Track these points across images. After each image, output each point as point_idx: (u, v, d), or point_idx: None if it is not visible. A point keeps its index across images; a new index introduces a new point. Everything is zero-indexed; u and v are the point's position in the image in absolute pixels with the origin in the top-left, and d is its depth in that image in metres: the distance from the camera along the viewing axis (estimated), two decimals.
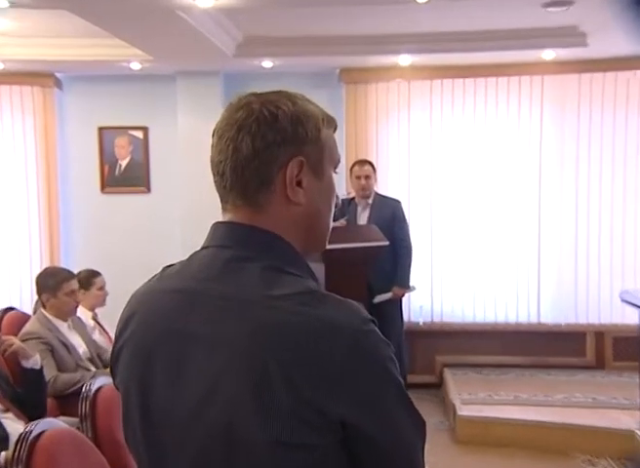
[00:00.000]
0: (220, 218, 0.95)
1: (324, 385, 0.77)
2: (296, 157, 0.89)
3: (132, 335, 0.92)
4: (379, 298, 4.29)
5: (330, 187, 0.96)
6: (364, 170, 4.52)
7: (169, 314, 0.88)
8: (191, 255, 0.94)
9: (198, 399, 0.82)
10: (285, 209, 0.90)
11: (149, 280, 0.98)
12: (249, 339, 0.79)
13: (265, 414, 0.77)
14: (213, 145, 0.93)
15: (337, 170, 0.98)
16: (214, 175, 0.93)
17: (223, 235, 0.91)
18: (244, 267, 0.86)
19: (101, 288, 3.80)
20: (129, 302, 0.97)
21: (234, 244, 0.89)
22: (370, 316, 0.83)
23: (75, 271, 3.57)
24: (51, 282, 3.29)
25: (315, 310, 0.80)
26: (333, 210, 0.98)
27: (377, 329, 0.83)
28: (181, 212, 5.36)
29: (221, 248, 0.90)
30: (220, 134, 0.92)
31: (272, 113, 0.89)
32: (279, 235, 0.90)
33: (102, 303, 3.86)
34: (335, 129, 0.97)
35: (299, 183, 0.90)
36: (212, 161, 0.93)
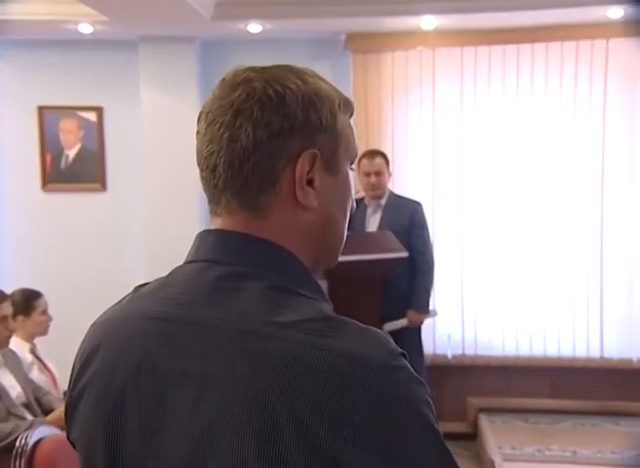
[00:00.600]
0: (202, 225, 0.96)
1: (346, 436, 0.78)
2: (307, 149, 0.91)
3: (95, 375, 0.92)
4: (390, 326, 4.27)
5: (346, 187, 0.98)
6: (374, 164, 4.51)
7: (145, 348, 0.88)
8: (172, 272, 0.94)
9: (185, 456, 0.83)
10: (292, 214, 0.92)
11: (117, 303, 0.98)
12: (250, 380, 0.80)
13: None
14: (199, 132, 0.93)
15: (353, 165, 1.00)
16: (201, 169, 0.93)
17: (213, 246, 0.92)
18: (241, 287, 0.87)
19: (44, 312, 3.80)
20: (90, 333, 0.97)
21: (227, 257, 0.90)
22: (399, 349, 0.84)
23: (7, 291, 3.56)
24: None
25: (333, 341, 0.81)
26: (348, 215, 1.00)
27: (408, 364, 0.84)
28: (145, 215, 5.37)
29: (211, 263, 0.90)
30: (210, 118, 0.91)
31: (279, 94, 0.90)
32: (283, 247, 0.91)
33: (45, 331, 3.86)
34: (351, 114, 0.99)
35: (309, 182, 0.92)
36: (199, 152, 0.93)
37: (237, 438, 0.79)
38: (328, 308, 0.87)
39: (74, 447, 0.97)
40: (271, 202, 0.91)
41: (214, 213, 0.94)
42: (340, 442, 0.78)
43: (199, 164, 0.94)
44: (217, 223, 0.94)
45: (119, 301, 0.98)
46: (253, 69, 0.93)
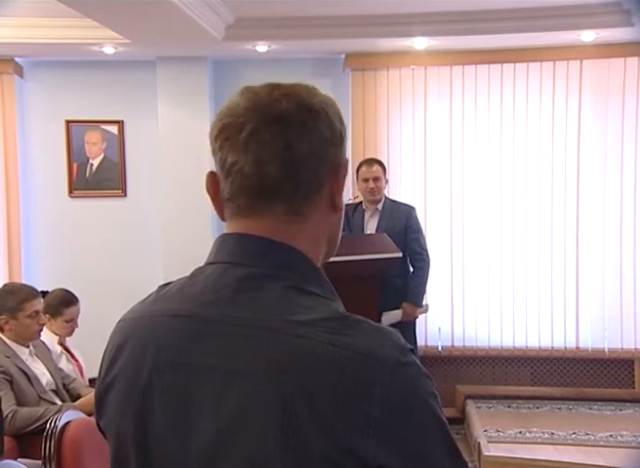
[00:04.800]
0: (214, 228, 0.96)
1: (361, 429, 0.78)
2: (342, 158, 0.93)
3: (123, 369, 0.91)
4: (386, 318, 4.25)
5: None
6: (372, 171, 4.52)
7: (170, 344, 0.87)
8: (194, 273, 0.92)
9: (211, 446, 0.82)
10: (324, 217, 0.93)
11: (142, 302, 0.96)
12: (272, 375, 0.79)
13: (294, 462, 0.77)
14: (232, 140, 0.88)
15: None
16: (234, 176, 0.89)
17: (235, 249, 0.90)
18: (261, 288, 0.86)
19: (71, 320, 3.79)
20: (117, 329, 0.95)
21: (248, 260, 0.88)
22: (409, 345, 0.84)
23: (38, 288, 3.56)
24: (10, 301, 3.28)
25: (349, 339, 0.80)
26: None
27: (417, 360, 0.83)
28: (162, 218, 5.37)
29: (232, 264, 0.89)
30: (252, 128, 0.87)
31: (323, 106, 0.91)
32: (299, 250, 0.90)
33: (69, 335, 3.85)
34: None
35: None
36: (234, 161, 0.88)
37: (259, 430, 0.78)
38: (342, 307, 0.87)
39: (103, 433, 0.96)
40: (313, 207, 0.90)
41: (242, 215, 0.90)
42: (356, 434, 0.77)
43: (230, 170, 0.89)
44: (242, 226, 0.90)
45: (144, 299, 0.96)
46: (278, 85, 0.91)
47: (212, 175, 0.93)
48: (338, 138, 0.92)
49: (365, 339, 0.81)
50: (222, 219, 0.94)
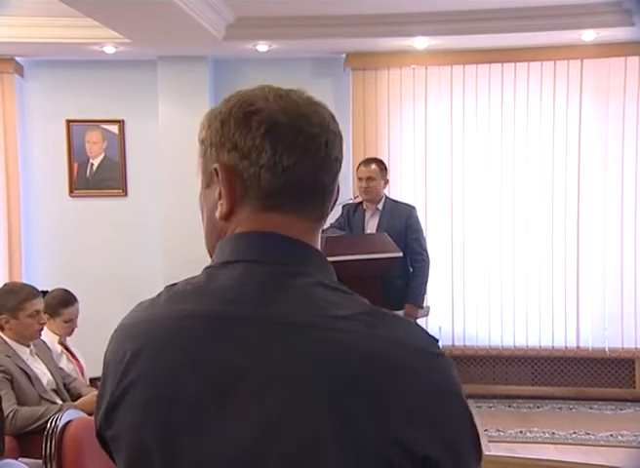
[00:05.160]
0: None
1: (407, 419, 0.79)
2: None
3: (143, 375, 0.86)
4: None
5: None
6: (367, 170, 4.51)
7: (198, 345, 0.84)
8: (211, 272, 0.89)
9: (252, 446, 0.80)
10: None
11: (149, 304, 0.92)
12: (316, 370, 0.79)
13: (346, 458, 0.77)
14: (286, 142, 0.88)
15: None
16: (290, 178, 0.88)
17: (260, 247, 0.88)
18: (290, 284, 0.85)
19: (69, 320, 3.78)
20: (125, 334, 0.91)
21: (272, 257, 0.88)
22: (434, 336, 0.87)
23: (39, 287, 3.56)
24: (11, 300, 3.28)
25: (385, 333, 0.82)
26: None
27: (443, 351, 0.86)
28: (163, 218, 5.37)
29: (257, 262, 0.87)
30: (308, 133, 0.89)
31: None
32: (318, 249, 0.92)
33: (68, 335, 3.85)
34: None
35: None
36: (289, 163, 0.88)
37: (306, 428, 0.78)
38: (367, 301, 0.87)
39: (105, 442, 0.91)
40: (329, 207, 0.94)
41: (276, 212, 0.89)
42: (403, 425, 0.78)
43: (284, 170, 0.87)
44: (269, 224, 0.89)
45: (152, 302, 0.92)
46: (302, 91, 0.94)
47: (229, 170, 0.89)
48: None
49: (401, 332, 0.83)
50: (226, 217, 0.90)
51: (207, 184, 0.95)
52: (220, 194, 0.90)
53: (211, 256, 0.96)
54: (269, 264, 0.87)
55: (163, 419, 0.84)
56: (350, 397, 0.78)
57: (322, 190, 0.91)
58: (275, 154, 0.87)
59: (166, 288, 0.93)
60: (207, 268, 0.91)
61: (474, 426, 0.85)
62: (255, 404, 0.80)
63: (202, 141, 0.95)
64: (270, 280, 0.86)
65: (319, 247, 0.93)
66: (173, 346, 0.85)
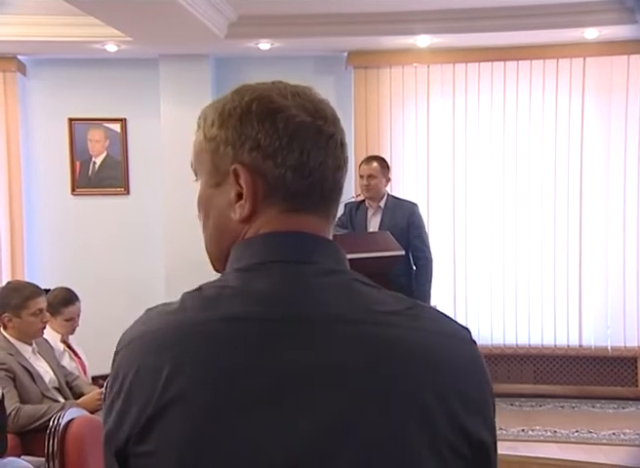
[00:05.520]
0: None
1: (466, 406, 0.82)
2: None
3: (194, 383, 0.80)
4: None
5: None
6: (368, 168, 4.52)
7: (258, 349, 0.80)
8: (242, 275, 0.86)
9: (317, 447, 0.78)
10: None
11: (174, 310, 0.85)
12: (383, 367, 0.79)
13: (426, 453, 0.79)
14: (312, 140, 0.87)
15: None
16: (315, 178, 0.87)
17: (295, 246, 0.87)
18: (334, 283, 0.85)
19: (70, 319, 3.79)
20: (155, 342, 0.83)
21: (311, 256, 0.87)
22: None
23: (41, 286, 3.56)
24: (15, 299, 3.28)
25: (433, 325, 0.85)
26: None
27: None
28: (165, 217, 5.37)
29: (298, 262, 0.86)
30: (328, 132, 0.88)
31: None
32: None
33: (70, 333, 3.86)
34: None
35: None
36: (317, 163, 0.87)
37: (378, 424, 0.78)
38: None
39: (125, 458, 0.83)
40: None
41: (304, 212, 0.88)
42: (464, 413, 0.81)
43: (312, 170, 0.87)
44: (299, 224, 0.87)
45: (178, 307, 0.85)
46: (310, 88, 0.93)
47: (254, 171, 0.86)
48: None
49: (446, 323, 0.87)
50: (246, 219, 0.87)
51: (216, 184, 0.90)
52: (238, 195, 0.87)
53: (215, 260, 0.94)
54: (308, 264, 0.86)
55: (222, 427, 0.79)
56: (420, 391, 0.79)
57: (339, 190, 0.91)
58: (302, 155, 0.86)
59: (188, 294, 0.87)
60: (236, 271, 0.86)
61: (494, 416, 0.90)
62: (324, 403, 0.78)
63: (212, 138, 0.90)
64: (314, 279, 0.84)
65: None
66: (227, 352, 0.81)
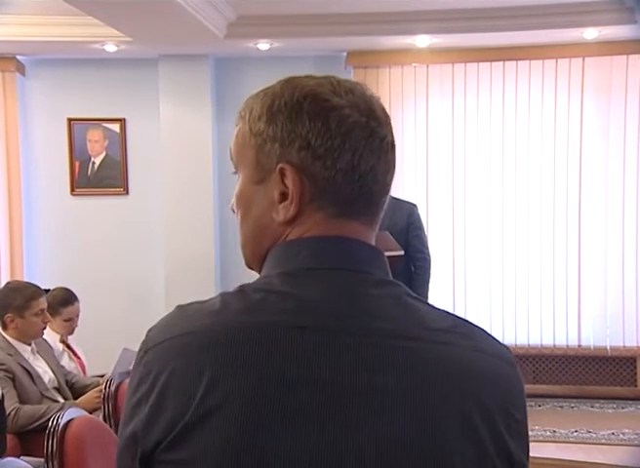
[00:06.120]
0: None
1: (511, 430, 0.81)
2: None
3: (239, 391, 0.76)
4: None
5: None
6: None
7: (301, 359, 0.76)
8: (289, 280, 0.82)
9: (369, 466, 0.75)
10: None
11: (214, 312, 0.81)
12: (430, 386, 0.78)
13: None
14: (366, 142, 0.83)
15: None
16: (366, 181, 0.83)
17: (345, 254, 0.83)
18: (386, 295, 0.82)
19: (69, 319, 3.79)
20: (191, 344, 0.79)
21: (362, 266, 0.84)
22: None
23: (41, 286, 3.56)
24: (18, 299, 3.28)
25: (482, 344, 0.84)
26: None
27: None
28: (165, 217, 5.37)
29: (345, 271, 0.82)
30: (380, 134, 0.85)
31: None
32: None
33: (69, 334, 3.86)
34: None
35: None
36: (368, 166, 0.83)
37: (430, 445, 0.76)
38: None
39: (150, 460, 0.79)
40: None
41: (352, 218, 0.84)
42: (509, 436, 0.80)
43: (363, 174, 0.83)
44: (349, 230, 0.84)
45: (220, 309, 0.81)
46: (361, 84, 0.88)
47: (302, 171, 0.82)
48: None
49: (492, 343, 0.85)
50: (289, 221, 0.83)
51: (259, 180, 0.85)
52: (282, 195, 0.83)
53: (250, 258, 0.90)
54: (359, 272, 0.82)
55: (264, 440, 0.75)
56: (473, 413, 0.78)
57: (386, 194, 0.87)
58: (354, 158, 0.82)
59: (230, 295, 0.82)
60: (282, 275, 0.82)
61: None
62: (372, 424, 0.75)
63: (258, 133, 0.84)
64: (365, 289, 0.81)
65: None
66: (276, 361, 0.76)
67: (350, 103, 0.83)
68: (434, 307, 0.85)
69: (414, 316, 0.81)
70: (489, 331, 0.88)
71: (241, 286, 0.83)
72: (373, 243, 0.86)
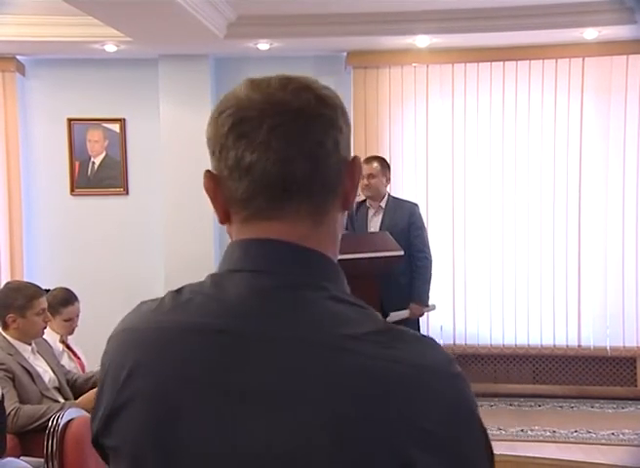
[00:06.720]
0: (217, 227, 0.91)
1: (419, 443, 0.75)
2: (353, 153, 0.89)
3: (145, 390, 0.82)
4: (394, 316, 4.30)
5: None
6: (369, 168, 4.53)
7: (206, 363, 0.79)
8: (217, 281, 0.84)
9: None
10: (338, 216, 0.88)
11: (154, 309, 0.86)
12: (327, 393, 0.75)
13: None
14: (246, 137, 0.81)
15: None
16: (255, 176, 0.82)
17: (263, 255, 0.83)
18: (302, 298, 0.80)
19: (69, 319, 3.79)
20: (126, 340, 0.85)
21: (280, 267, 0.82)
22: (450, 354, 0.82)
23: (41, 286, 3.56)
24: (20, 299, 3.27)
25: (401, 353, 0.77)
26: None
27: (460, 368, 0.82)
28: (164, 217, 5.37)
29: (262, 273, 0.82)
30: (272, 123, 0.81)
31: (337, 100, 0.86)
32: (325, 254, 0.85)
33: (69, 334, 3.86)
34: None
35: None
36: (251, 160, 0.81)
37: (317, 451, 0.74)
38: (381, 317, 0.83)
39: (101, 447, 0.88)
40: (332, 205, 0.85)
41: (263, 218, 0.83)
42: (415, 449, 0.75)
43: (248, 169, 0.81)
44: (264, 230, 0.83)
45: (156, 307, 0.86)
46: (289, 77, 0.85)
47: (211, 175, 0.85)
48: (350, 133, 0.88)
49: (415, 352, 0.79)
50: (222, 223, 0.87)
51: None
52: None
53: None
54: (276, 275, 0.81)
55: (164, 435, 0.80)
56: (362, 423, 0.74)
57: (299, 184, 0.82)
58: (237, 153, 0.81)
59: (171, 293, 0.86)
60: (213, 276, 0.85)
61: (490, 446, 0.83)
62: (270, 426, 0.76)
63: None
64: (280, 293, 0.80)
65: (332, 247, 0.87)
66: (181, 362, 0.80)
67: (249, 98, 0.83)
68: (365, 312, 0.81)
69: (327, 321, 0.78)
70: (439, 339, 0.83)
71: (185, 285, 0.86)
72: (306, 240, 0.83)
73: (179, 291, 0.86)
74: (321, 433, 0.74)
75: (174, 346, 0.81)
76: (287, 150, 0.81)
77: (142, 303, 0.89)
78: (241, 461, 0.77)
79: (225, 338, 0.79)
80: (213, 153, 0.85)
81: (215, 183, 0.85)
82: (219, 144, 0.84)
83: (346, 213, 0.91)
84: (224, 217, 0.86)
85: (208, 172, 0.86)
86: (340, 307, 0.80)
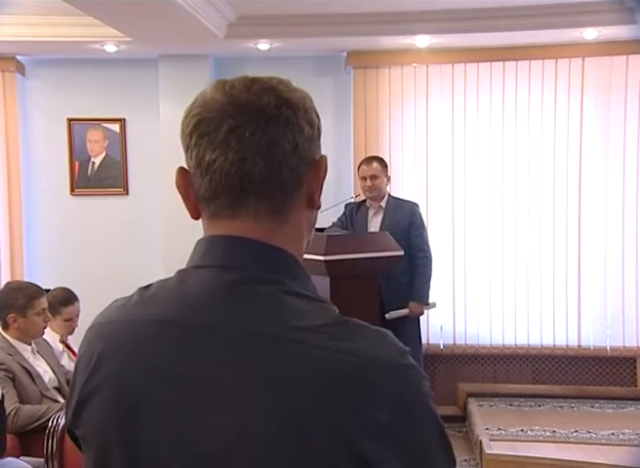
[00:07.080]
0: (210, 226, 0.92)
1: (369, 433, 0.76)
2: (321, 154, 0.90)
3: (108, 377, 0.86)
4: (392, 314, 4.31)
5: None
6: (370, 168, 4.54)
7: (162, 352, 0.83)
8: (181, 277, 0.88)
9: (213, 457, 0.79)
10: (302, 216, 0.90)
11: (122, 304, 0.91)
12: (278, 384, 0.77)
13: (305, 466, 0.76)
14: (208, 137, 0.85)
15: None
16: (213, 173, 0.85)
17: (225, 252, 0.86)
18: (256, 292, 0.83)
19: (69, 319, 3.79)
20: (95, 334, 0.91)
21: (239, 263, 0.85)
22: (405, 346, 0.83)
23: (41, 286, 3.56)
24: (20, 299, 3.28)
25: (352, 344, 0.79)
26: None
27: (413, 360, 0.82)
28: (164, 217, 5.37)
29: (224, 268, 0.85)
30: (232, 124, 0.83)
31: (302, 101, 0.88)
32: (289, 252, 0.88)
33: (69, 333, 3.86)
34: None
35: None
36: (211, 159, 0.85)
37: (267, 442, 0.76)
38: (337, 310, 0.84)
39: (76, 440, 0.92)
40: (294, 205, 0.87)
41: (225, 216, 0.87)
42: (365, 439, 0.76)
43: (208, 168, 0.85)
44: (225, 227, 0.87)
45: (125, 302, 0.91)
46: (254, 78, 0.88)
47: (182, 172, 0.89)
48: (316, 134, 0.89)
49: (367, 344, 0.80)
50: (195, 218, 0.91)
51: None
52: None
53: None
54: (236, 270, 0.84)
55: (125, 424, 0.83)
56: (311, 414, 0.76)
57: (256, 184, 0.84)
58: (199, 152, 0.85)
59: (140, 289, 0.91)
60: (179, 272, 0.89)
61: (445, 437, 0.83)
62: (218, 417, 0.78)
63: None
64: (237, 288, 0.83)
65: (297, 245, 0.90)
66: (140, 353, 0.84)
67: (213, 99, 0.86)
68: (321, 305, 0.84)
69: (280, 314, 0.81)
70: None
71: (155, 281, 0.90)
72: (267, 236, 0.86)
73: (147, 287, 0.90)
74: (273, 424, 0.76)
75: (135, 337, 0.86)
76: (245, 150, 0.83)
77: (116, 300, 0.94)
78: (193, 450, 0.79)
79: (181, 330, 0.82)
80: (184, 152, 0.89)
81: (186, 180, 0.89)
82: (185, 144, 0.88)
83: (317, 212, 0.93)
84: (196, 213, 0.90)
85: (181, 168, 0.90)
86: (295, 301, 0.82)
